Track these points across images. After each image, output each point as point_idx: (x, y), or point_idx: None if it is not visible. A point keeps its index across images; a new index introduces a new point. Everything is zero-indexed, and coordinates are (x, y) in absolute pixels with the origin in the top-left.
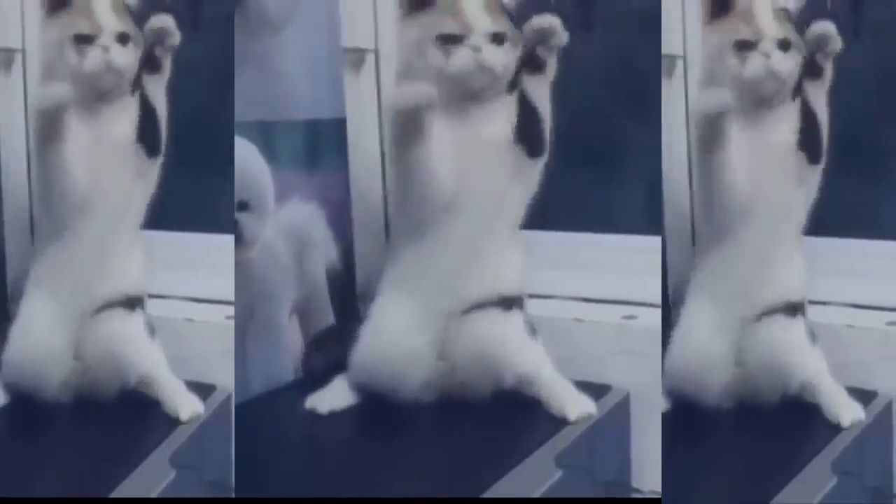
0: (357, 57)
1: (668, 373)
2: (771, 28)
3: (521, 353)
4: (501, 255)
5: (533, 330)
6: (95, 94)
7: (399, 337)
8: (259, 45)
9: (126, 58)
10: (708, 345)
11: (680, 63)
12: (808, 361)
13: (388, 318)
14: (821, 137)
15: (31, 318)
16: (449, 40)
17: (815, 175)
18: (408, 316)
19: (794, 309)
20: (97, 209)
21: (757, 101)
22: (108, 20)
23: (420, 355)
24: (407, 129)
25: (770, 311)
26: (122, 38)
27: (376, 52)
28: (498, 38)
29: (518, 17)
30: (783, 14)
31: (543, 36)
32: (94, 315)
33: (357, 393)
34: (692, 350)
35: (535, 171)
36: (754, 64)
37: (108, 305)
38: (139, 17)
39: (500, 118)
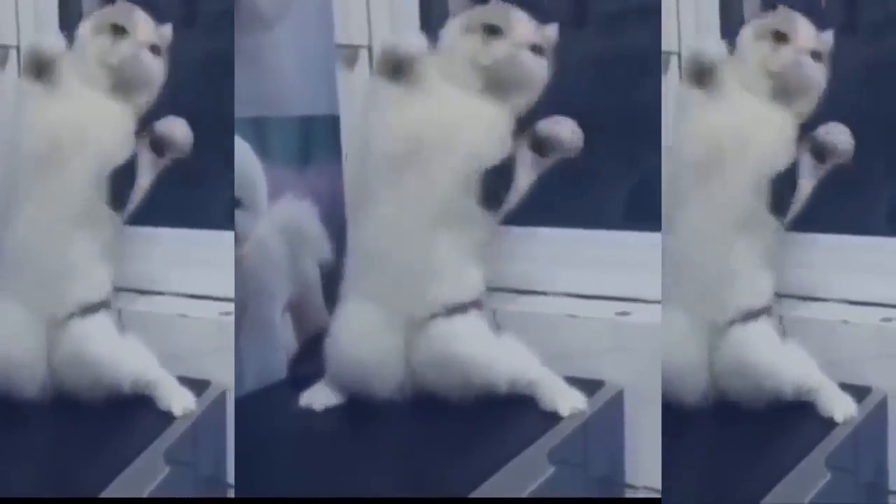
0: (350, 53)
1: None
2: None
3: (487, 352)
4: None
5: (496, 326)
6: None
7: (367, 341)
8: (252, 41)
9: (154, 64)
10: (680, 349)
11: (674, 60)
12: (779, 358)
13: (354, 322)
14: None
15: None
16: (491, 31)
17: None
18: (373, 321)
19: (756, 314)
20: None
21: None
22: (146, 28)
23: (388, 361)
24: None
25: (736, 320)
26: (154, 49)
27: (370, 48)
28: (538, 49)
29: None
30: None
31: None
32: (62, 324)
33: (338, 394)
34: (667, 353)
35: (486, 221)
36: (785, 56)
37: (74, 314)
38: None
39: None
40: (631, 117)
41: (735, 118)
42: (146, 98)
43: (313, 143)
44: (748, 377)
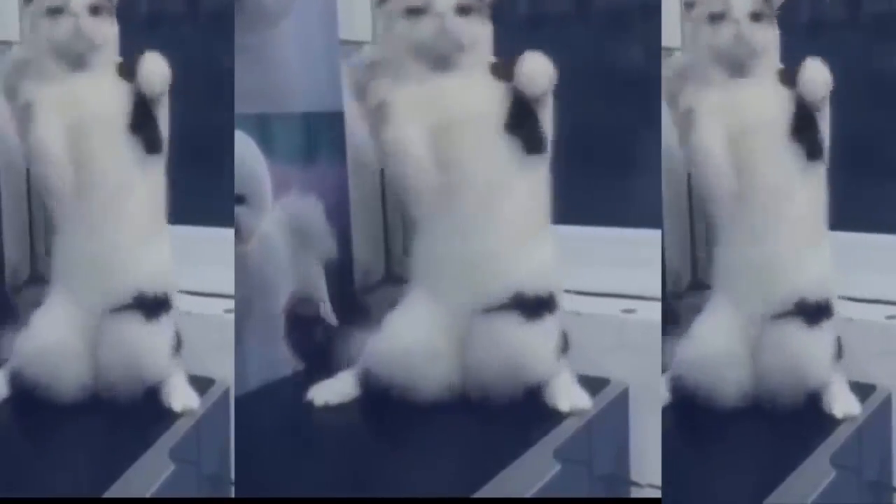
0: (355, 49)
1: (675, 366)
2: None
3: (545, 365)
4: (526, 252)
5: (566, 342)
6: (68, 64)
7: (421, 337)
8: (256, 37)
9: (98, 26)
10: (725, 346)
11: (677, 55)
12: (827, 372)
13: (411, 315)
14: (817, 131)
15: (50, 311)
16: (414, 13)
17: (816, 171)
18: (429, 315)
19: (814, 311)
20: (95, 200)
21: (732, 71)
22: None
23: (441, 356)
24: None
25: (786, 312)
26: (94, 10)
27: (373, 44)
28: (463, 10)
29: None
30: None
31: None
32: (111, 315)
33: (362, 387)
34: (709, 349)
35: (537, 167)
36: (726, 32)
37: (127, 307)
38: None
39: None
40: (632, 115)
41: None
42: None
43: (317, 139)
44: (796, 378)
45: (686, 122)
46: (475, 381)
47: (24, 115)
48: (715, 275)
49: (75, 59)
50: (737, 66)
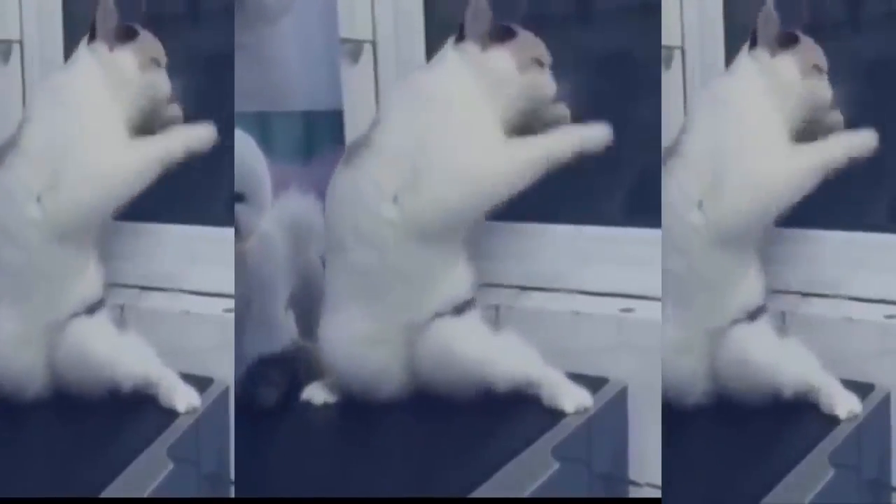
0: (355, 48)
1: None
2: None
3: (484, 350)
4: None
5: (498, 322)
6: None
7: (361, 350)
8: (256, 35)
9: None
10: (677, 354)
11: (678, 54)
12: (778, 357)
13: (346, 332)
14: None
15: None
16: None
17: None
18: (365, 329)
19: (754, 314)
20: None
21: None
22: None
23: (385, 367)
24: None
25: (734, 322)
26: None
27: (374, 43)
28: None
29: None
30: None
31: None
32: (61, 326)
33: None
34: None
35: None
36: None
37: (73, 314)
38: None
39: None
40: (632, 113)
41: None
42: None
43: (317, 137)
44: (747, 377)
45: None
46: (427, 381)
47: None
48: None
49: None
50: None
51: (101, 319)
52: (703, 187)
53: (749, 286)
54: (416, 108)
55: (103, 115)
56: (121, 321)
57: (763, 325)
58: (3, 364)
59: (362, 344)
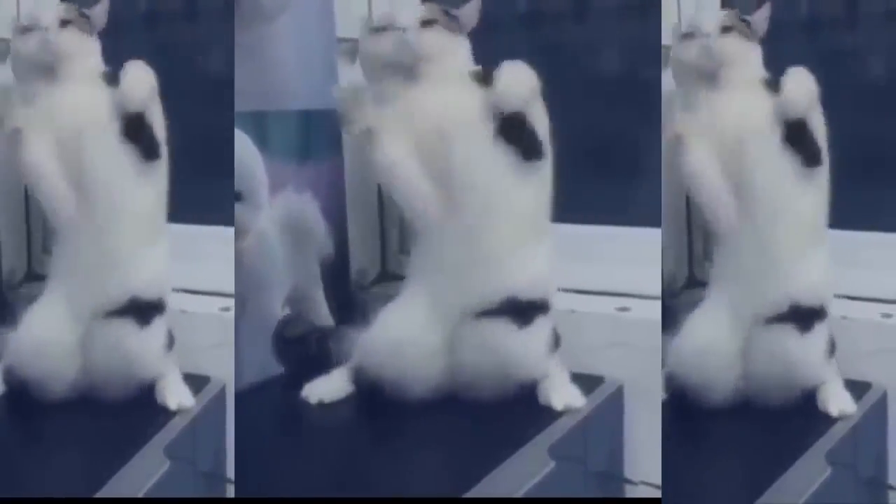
0: (352, 47)
1: (669, 364)
2: (712, 19)
3: (537, 367)
4: (522, 256)
5: (556, 341)
6: (44, 78)
7: (413, 334)
8: (253, 34)
9: (68, 38)
10: (716, 342)
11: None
12: (819, 375)
13: (403, 312)
14: (810, 137)
15: (43, 311)
16: (379, 31)
17: (814, 176)
18: (423, 313)
19: (808, 315)
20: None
21: (705, 84)
22: (48, 14)
23: (432, 354)
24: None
25: (780, 316)
26: (63, 23)
27: None
28: (426, 23)
29: None
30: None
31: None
32: (108, 317)
33: (356, 385)
34: (699, 345)
35: (534, 173)
36: (693, 48)
37: (125, 310)
38: None
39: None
40: (632, 111)
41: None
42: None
43: (314, 137)
44: (788, 381)
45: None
46: (465, 382)
47: (13, 140)
48: (711, 274)
49: (48, 72)
50: (709, 77)
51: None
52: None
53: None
54: None
55: None
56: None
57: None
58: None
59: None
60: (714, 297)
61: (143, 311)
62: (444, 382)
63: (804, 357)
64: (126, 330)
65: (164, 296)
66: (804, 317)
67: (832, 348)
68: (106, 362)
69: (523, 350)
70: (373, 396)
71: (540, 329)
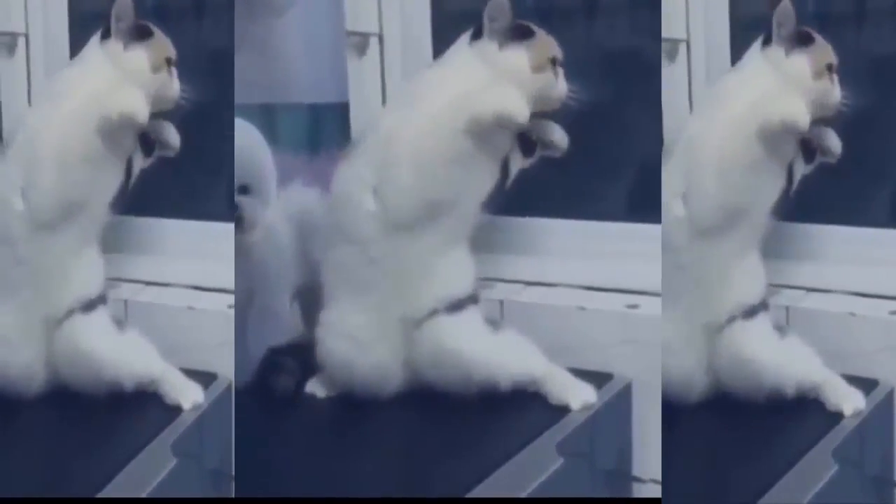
0: (361, 41)
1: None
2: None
3: (484, 348)
4: (449, 259)
5: (494, 322)
6: None
7: (359, 347)
8: (262, 27)
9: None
10: (678, 351)
11: (682, 47)
12: (779, 355)
13: (343, 328)
14: None
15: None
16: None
17: None
18: (365, 325)
19: (752, 311)
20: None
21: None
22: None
23: (382, 364)
24: None
25: (731, 319)
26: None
27: (380, 36)
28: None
29: None
30: None
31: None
32: (59, 322)
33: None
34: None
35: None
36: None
37: (70, 313)
38: None
39: None
40: (634, 108)
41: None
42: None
43: (322, 130)
44: (746, 376)
45: None
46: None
47: None
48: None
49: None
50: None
51: (100, 316)
52: (684, 179)
53: (745, 282)
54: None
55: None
56: (124, 317)
57: (760, 323)
58: (2, 361)
59: (355, 339)
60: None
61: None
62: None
63: (756, 341)
64: (76, 325)
65: (103, 290)
66: (748, 314)
67: (782, 330)
68: (68, 366)
69: (459, 332)
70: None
71: (471, 317)
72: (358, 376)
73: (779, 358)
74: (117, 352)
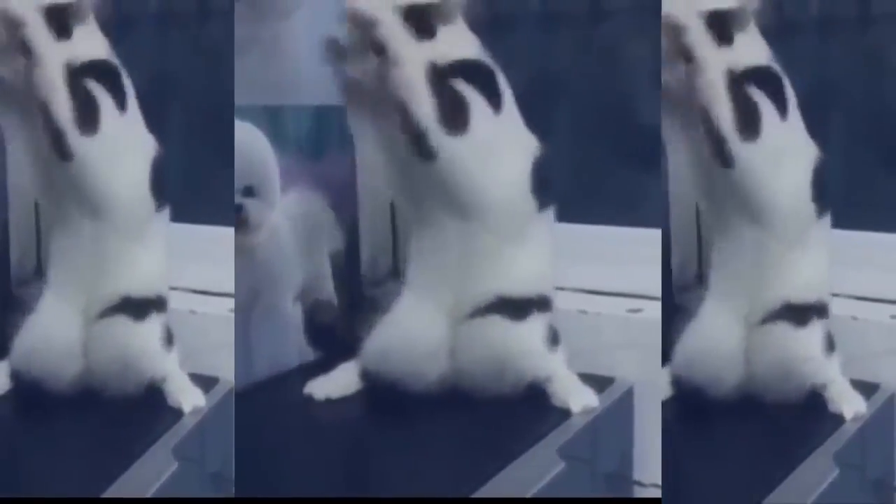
0: None
1: (676, 362)
2: None
3: (538, 364)
4: (522, 253)
5: (556, 338)
6: None
7: (417, 332)
8: (267, 29)
9: None
10: (720, 341)
11: None
12: (820, 371)
13: (408, 311)
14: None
15: (45, 310)
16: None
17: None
18: (427, 312)
19: (804, 311)
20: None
21: None
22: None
23: (435, 353)
24: None
25: (776, 314)
26: None
27: None
28: None
29: None
30: None
31: None
32: (103, 316)
33: (364, 381)
34: (704, 344)
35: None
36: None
37: (120, 308)
38: None
39: None
40: (634, 108)
41: None
42: None
43: (327, 132)
44: (788, 379)
45: None
46: (466, 378)
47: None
48: (710, 274)
49: None
50: None
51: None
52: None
53: (793, 278)
54: None
55: None
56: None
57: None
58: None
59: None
60: (713, 297)
61: (137, 308)
62: (451, 380)
63: (799, 353)
64: (120, 327)
65: (161, 293)
66: (798, 313)
67: (831, 345)
68: (105, 360)
69: (517, 344)
70: (381, 394)
71: (534, 325)
72: (406, 367)
73: (818, 371)
74: (153, 364)
